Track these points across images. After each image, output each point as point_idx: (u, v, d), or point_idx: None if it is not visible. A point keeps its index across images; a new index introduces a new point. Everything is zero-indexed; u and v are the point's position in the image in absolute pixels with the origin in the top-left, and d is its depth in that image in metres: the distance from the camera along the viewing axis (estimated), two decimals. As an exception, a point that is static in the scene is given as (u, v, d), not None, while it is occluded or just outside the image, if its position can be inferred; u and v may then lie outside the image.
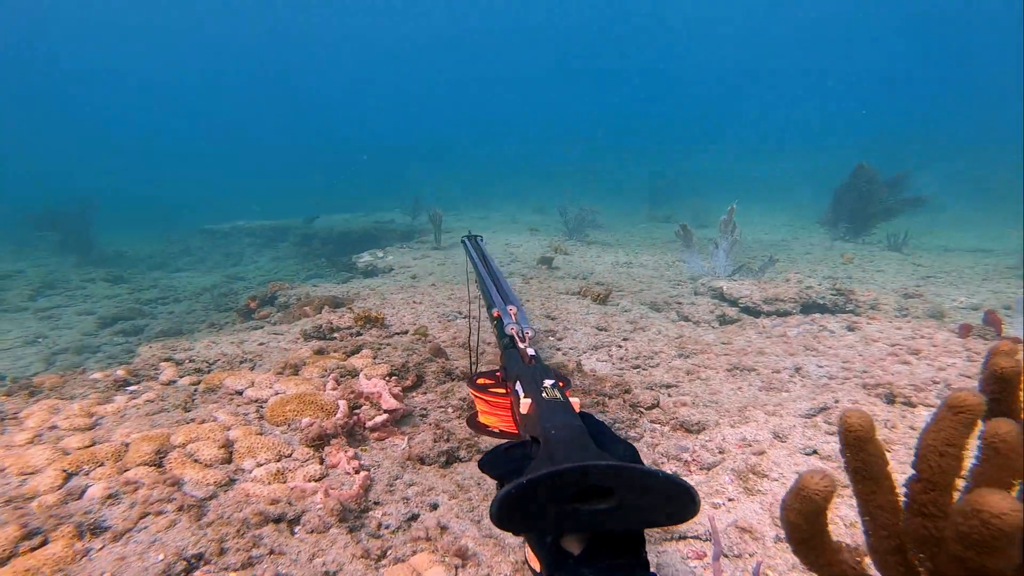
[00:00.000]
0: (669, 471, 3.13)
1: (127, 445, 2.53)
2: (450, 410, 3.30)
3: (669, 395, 3.70)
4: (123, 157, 55.62)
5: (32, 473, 2.37)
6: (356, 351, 3.75)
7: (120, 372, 3.76)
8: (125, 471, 2.36)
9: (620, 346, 4.44)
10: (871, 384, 3.54)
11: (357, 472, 2.53)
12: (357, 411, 2.98)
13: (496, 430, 1.40)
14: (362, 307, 5.24)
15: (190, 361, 4.02)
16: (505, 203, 22.25)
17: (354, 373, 3.36)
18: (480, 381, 1.47)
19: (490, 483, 2.64)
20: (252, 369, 3.78)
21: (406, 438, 2.96)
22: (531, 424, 1.03)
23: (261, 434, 2.66)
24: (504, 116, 74.86)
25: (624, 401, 3.35)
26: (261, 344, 4.78)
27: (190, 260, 14.28)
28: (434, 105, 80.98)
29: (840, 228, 11.73)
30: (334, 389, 3.13)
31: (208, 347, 4.90)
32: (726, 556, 2.24)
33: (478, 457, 2.84)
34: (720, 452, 2.95)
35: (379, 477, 2.58)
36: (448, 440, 2.90)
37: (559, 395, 1.07)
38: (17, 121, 64.19)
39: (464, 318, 5.17)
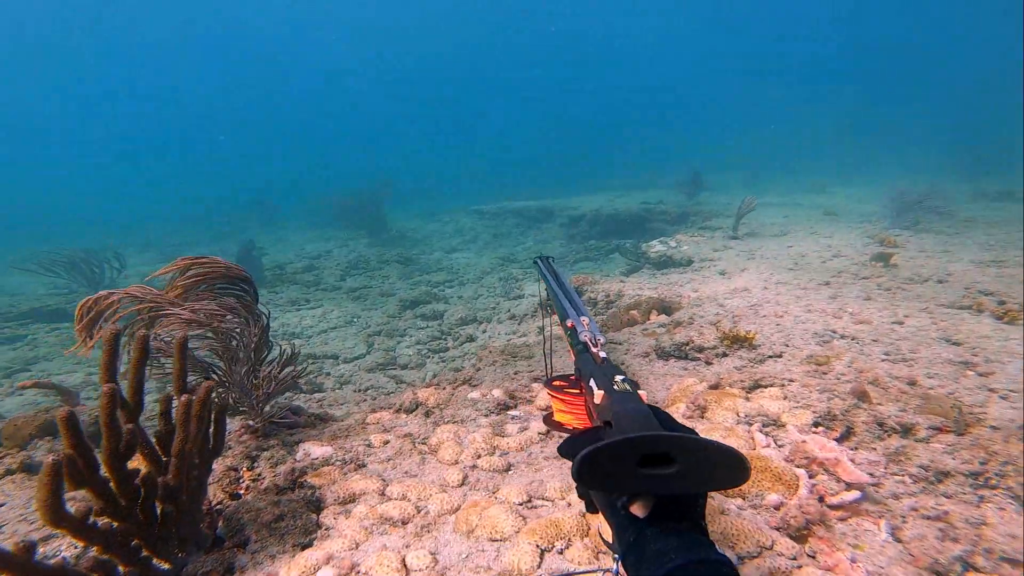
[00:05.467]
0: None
1: (584, 515, 2.35)
2: (908, 480, 2.58)
3: None
4: (392, 145, 64.98)
5: (501, 540, 2.30)
6: (755, 386, 3.21)
7: (496, 392, 3.79)
8: (601, 553, 2.16)
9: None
10: None
11: (869, 585, 1.99)
12: (812, 480, 2.44)
13: (571, 427, 1.53)
14: (700, 317, 4.70)
15: (553, 380, 3.91)
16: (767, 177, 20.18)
17: (777, 422, 2.82)
18: (556, 383, 1.62)
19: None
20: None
21: (883, 523, 2.34)
22: (603, 411, 1.15)
23: (723, 513, 2.27)
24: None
25: None
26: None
27: (462, 240, 15.39)
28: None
29: None
30: (768, 447, 2.63)
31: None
32: None
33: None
34: None
35: (900, 596, 2.01)
36: (956, 539, 2.20)
37: (628, 387, 1.17)
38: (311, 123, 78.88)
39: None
